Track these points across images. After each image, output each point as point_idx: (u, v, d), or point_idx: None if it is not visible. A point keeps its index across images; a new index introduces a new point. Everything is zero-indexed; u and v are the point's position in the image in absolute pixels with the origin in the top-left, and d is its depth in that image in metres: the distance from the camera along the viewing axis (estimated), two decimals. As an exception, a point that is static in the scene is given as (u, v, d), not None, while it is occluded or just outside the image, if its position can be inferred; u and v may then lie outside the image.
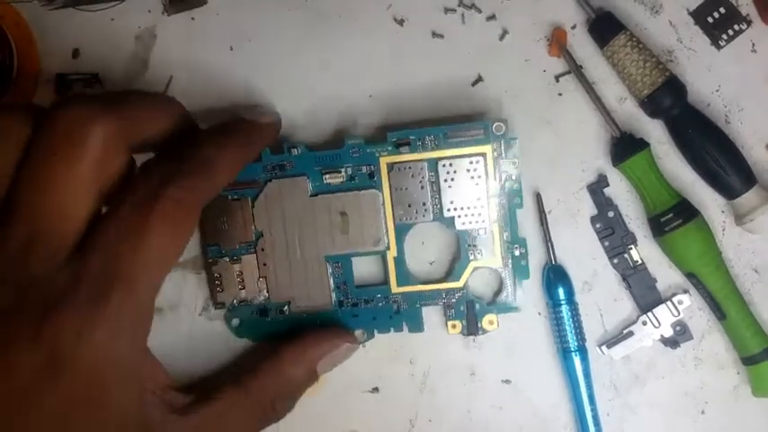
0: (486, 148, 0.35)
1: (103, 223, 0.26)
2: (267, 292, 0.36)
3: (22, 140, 0.26)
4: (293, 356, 0.34)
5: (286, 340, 0.35)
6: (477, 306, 0.35)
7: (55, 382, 0.24)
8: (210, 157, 0.29)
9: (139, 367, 0.27)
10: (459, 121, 0.35)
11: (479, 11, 0.37)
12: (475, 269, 0.35)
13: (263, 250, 0.36)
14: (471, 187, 0.35)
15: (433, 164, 0.35)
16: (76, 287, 0.24)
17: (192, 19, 0.37)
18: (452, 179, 0.35)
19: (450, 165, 0.35)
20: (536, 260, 0.36)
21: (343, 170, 0.35)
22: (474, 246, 0.35)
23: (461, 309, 0.36)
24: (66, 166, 0.25)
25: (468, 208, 0.35)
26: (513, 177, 0.35)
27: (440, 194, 0.35)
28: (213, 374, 0.36)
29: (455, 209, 0.35)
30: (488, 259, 0.35)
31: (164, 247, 0.26)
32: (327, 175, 0.35)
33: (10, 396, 0.24)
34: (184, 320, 0.37)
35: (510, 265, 0.35)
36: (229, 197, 0.35)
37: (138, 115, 0.28)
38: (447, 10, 0.37)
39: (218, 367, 0.37)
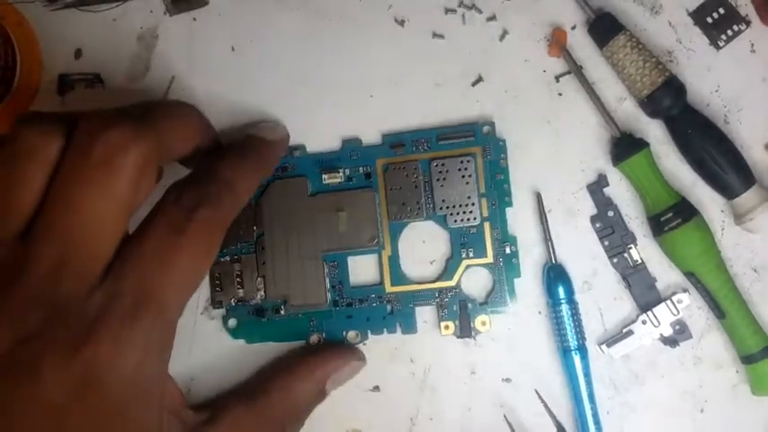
0: (476, 149, 0.36)
1: (135, 245, 0.26)
2: (264, 291, 0.36)
3: (51, 159, 0.26)
4: (304, 374, 0.35)
5: (296, 358, 0.35)
6: (470, 306, 0.36)
7: (83, 403, 0.24)
8: (231, 179, 0.29)
9: (162, 388, 0.27)
10: (459, 122, 0.36)
11: (480, 11, 0.37)
12: (467, 267, 0.36)
13: (262, 249, 0.36)
14: (462, 186, 0.36)
15: (426, 164, 0.36)
16: (111, 310, 0.24)
17: (194, 19, 0.38)
18: (444, 178, 0.36)
19: (443, 164, 0.36)
20: (536, 259, 0.36)
21: (341, 171, 0.36)
22: (466, 243, 0.36)
23: (454, 308, 0.36)
24: (101, 191, 0.25)
25: (460, 206, 0.36)
26: (502, 176, 0.36)
27: (432, 193, 0.36)
28: (225, 392, 0.36)
29: (447, 207, 0.36)
30: (480, 257, 0.36)
31: (192, 269, 0.26)
32: (326, 176, 0.36)
33: (39, 416, 0.24)
34: (187, 319, 0.37)
35: (501, 263, 0.36)
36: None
37: (169, 137, 0.28)
38: (447, 10, 0.37)
39: (219, 367, 0.37)
